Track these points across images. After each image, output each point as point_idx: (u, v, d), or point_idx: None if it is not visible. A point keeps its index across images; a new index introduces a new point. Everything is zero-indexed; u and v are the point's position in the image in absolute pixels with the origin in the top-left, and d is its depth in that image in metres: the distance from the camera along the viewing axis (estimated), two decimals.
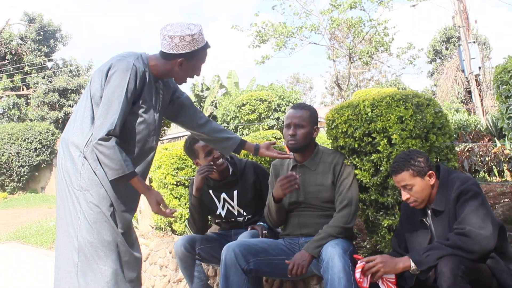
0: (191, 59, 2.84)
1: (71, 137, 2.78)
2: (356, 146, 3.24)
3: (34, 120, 26.79)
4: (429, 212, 2.70)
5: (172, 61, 2.83)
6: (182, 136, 22.76)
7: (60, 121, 28.65)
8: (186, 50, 2.78)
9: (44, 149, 21.65)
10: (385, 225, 3.24)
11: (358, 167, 3.25)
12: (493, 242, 2.40)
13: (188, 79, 2.98)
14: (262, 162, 4.36)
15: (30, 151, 21.29)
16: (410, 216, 2.81)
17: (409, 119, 3.06)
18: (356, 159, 3.26)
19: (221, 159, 3.66)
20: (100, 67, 2.81)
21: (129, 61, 2.73)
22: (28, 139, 21.34)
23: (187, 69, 2.88)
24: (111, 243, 2.75)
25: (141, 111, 2.83)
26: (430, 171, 2.63)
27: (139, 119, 2.83)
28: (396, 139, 3.06)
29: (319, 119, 3.48)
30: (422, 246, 2.64)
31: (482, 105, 18.18)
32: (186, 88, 48.39)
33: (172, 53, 2.79)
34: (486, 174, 6.13)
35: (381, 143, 3.12)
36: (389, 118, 3.10)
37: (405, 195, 2.68)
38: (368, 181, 3.22)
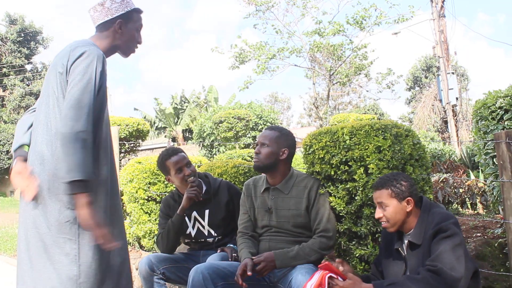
0: (127, 21, 2.76)
1: (53, 162, 2.48)
2: (332, 173, 3.20)
3: (9, 122, 26.34)
4: (405, 242, 2.66)
5: (111, 28, 2.73)
6: (156, 148, 22.53)
7: None
8: (120, 11, 2.72)
9: None
10: (357, 255, 3.19)
11: (333, 194, 3.20)
12: (463, 285, 2.37)
13: (135, 52, 2.88)
14: (236, 183, 4.30)
15: (1, 153, 20.89)
16: (388, 244, 2.78)
17: (387, 149, 3.04)
18: (331, 186, 3.22)
19: (192, 177, 3.59)
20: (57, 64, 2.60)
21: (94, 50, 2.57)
22: (0, 141, 20.95)
23: (127, 33, 2.78)
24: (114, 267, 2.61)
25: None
26: (409, 198, 2.60)
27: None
28: (373, 168, 3.03)
29: (296, 139, 3.43)
30: (396, 275, 2.62)
31: (457, 135, 18.44)
32: (165, 100, 48.16)
33: (108, 19, 2.71)
34: (459, 206, 6.16)
35: (357, 171, 3.08)
36: (367, 147, 3.07)
37: (378, 213, 2.66)
38: (342, 209, 3.18)
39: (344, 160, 3.15)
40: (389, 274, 2.72)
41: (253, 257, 3.03)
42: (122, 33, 2.76)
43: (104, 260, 2.54)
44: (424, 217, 2.59)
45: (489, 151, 3.53)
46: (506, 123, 3.40)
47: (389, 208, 2.61)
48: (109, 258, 2.57)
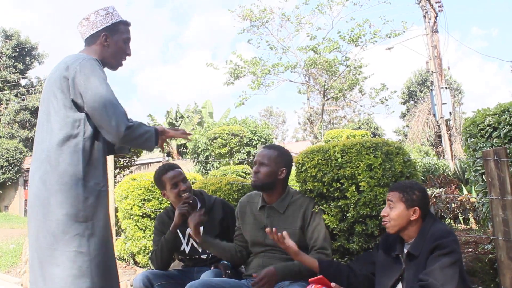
0: (113, 33, 2.83)
1: (61, 168, 2.56)
2: (325, 191, 3.24)
3: (3, 137, 26.31)
4: (405, 251, 2.71)
5: (97, 41, 2.81)
6: (151, 163, 22.46)
7: (30, 140, 28.19)
8: (105, 24, 2.79)
9: (10, 167, 21.18)
10: None
11: (326, 212, 3.24)
12: None
13: (124, 63, 2.95)
14: (230, 200, 4.33)
15: None
16: (388, 248, 2.81)
17: (378, 167, 3.09)
18: (324, 204, 3.26)
19: (187, 193, 3.62)
20: (52, 81, 2.68)
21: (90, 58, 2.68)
22: None
23: (114, 45, 2.84)
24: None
25: None
26: (417, 208, 2.65)
27: None
28: (364, 186, 3.08)
29: (291, 153, 3.47)
30: (391, 280, 2.67)
31: (451, 149, 18.53)
32: (160, 115, 48.38)
33: (94, 32, 2.79)
34: (451, 221, 6.20)
35: (349, 189, 3.13)
36: (358, 165, 3.12)
37: (384, 211, 2.73)
38: (335, 226, 3.22)
39: (336, 178, 3.20)
40: (382, 277, 2.76)
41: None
42: (108, 45, 2.83)
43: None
44: (425, 230, 2.64)
45: (478, 168, 3.59)
46: (494, 140, 3.46)
47: (395, 210, 2.67)
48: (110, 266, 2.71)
